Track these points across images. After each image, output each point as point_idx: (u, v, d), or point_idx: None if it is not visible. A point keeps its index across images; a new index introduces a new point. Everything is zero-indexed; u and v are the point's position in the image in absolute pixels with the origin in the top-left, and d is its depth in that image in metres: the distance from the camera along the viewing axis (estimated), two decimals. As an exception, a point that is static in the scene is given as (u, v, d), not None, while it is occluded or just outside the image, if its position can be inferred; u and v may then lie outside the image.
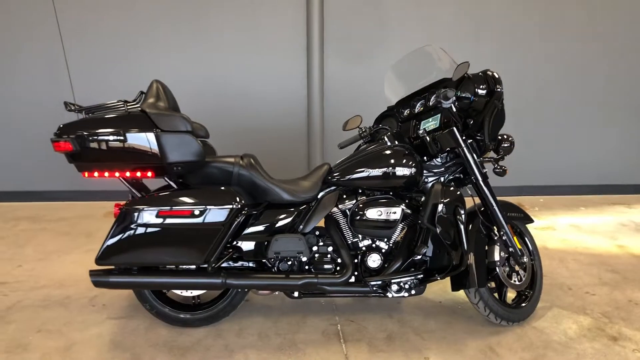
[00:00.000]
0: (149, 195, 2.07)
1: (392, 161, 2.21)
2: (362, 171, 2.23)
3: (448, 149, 2.21)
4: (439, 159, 2.33)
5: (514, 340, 2.24)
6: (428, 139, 2.26)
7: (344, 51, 4.70)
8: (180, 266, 2.15)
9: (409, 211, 2.24)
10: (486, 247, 2.32)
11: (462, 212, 2.16)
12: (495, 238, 2.33)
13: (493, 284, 2.35)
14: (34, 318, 2.41)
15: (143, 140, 1.90)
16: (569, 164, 5.29)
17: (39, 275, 2.95)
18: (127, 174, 1.97)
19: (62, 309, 2.52)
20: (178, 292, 2.31)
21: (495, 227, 2.33)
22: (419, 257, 2.23)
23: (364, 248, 2.27)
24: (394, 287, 2.20)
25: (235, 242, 2.17)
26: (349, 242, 2.27)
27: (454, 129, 2.15)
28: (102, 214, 4.30)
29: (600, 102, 5.10)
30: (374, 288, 2.21)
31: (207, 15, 4.50)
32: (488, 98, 2.16)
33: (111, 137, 1.88)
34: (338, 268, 2.24)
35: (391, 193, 2.30)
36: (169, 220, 1.99)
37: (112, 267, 2.09)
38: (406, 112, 2.52)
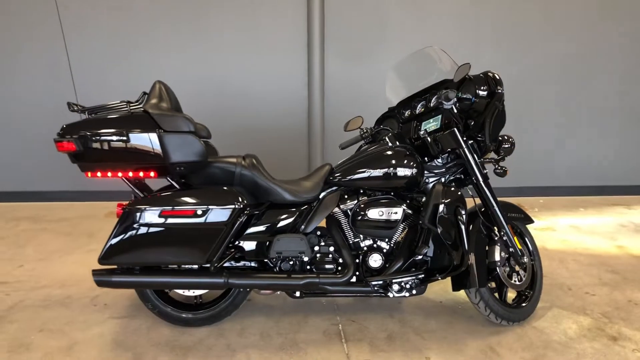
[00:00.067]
0: (151, 195, 2.08)
1: (394, 162, 2.22)
2: (364, 171, 2.24)
3: (449, 149, 2.22)
4: (439, 160, 2.34)
5: (514, 340, 2.25)
6: (429, 139, 2.27)
7: (345, 51, 4.71)
8: (183, 266, 2.16)
9: (410, 211, 2.26)
10: (487, 248, 2.33)
11: (463, 212, 2.17)
12: (496, 238, 2.34)
13: (493, 284, 2.36)
14: (36, 318, 2.42)
15: (146, 140, 1.91)
16: (569, 165, 5.31)
17: (40, 275, 2.96)
18: (130, 174, 1.98)
19: (63, 308, 2.52)
20: (180, 291, 2.32)
21: (495, 228, 2.34)
22: (419, 257, 2.24)
23: (365, 248, 2.28)
24: (395, 287, 2.21)
25: (237, 242, 2.18)
26: (351, 242, 2.28)
27: (455, 129, 2.16)
28: (104, 215, 4.31)
29: (600, 103, 5.11)
30: (375, 288, 2.22)
31: (207, 15, 4.51)
32: (489, 99, 2.18)
33: (114, 138, 1.89)
34: (339, 268, 2.25)
35: (392, 193, 2.31)
36: (171, 220, 2.00)
37: (115, 266, 2.10)
38: (407, 113, 2.53)
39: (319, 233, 2.31)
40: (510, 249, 2.34)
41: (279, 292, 2.39)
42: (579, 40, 4.87)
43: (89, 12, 4.40)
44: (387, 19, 4.65)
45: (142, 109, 1.96)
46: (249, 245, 2.20)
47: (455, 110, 2.19)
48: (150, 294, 2.27)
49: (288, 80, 4.76)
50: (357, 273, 2.24)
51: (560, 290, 2.80)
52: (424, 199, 2.30)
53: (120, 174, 1.99)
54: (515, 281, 2.37)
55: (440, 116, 2.27)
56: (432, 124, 2.32)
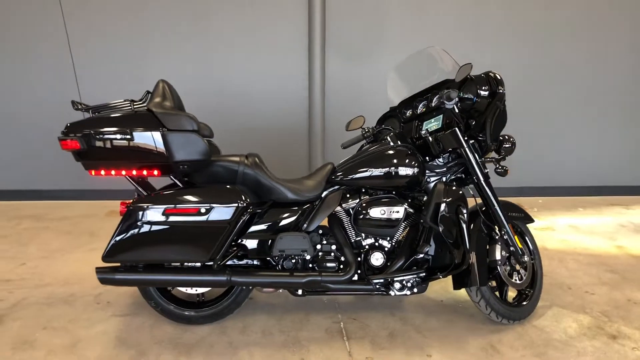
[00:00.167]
0: (155, 194, 2.09)
1: (395, 161, 2.24)
2: (366, 171, 2.26)
3: (450, 149, 2.24)
4: (441, 159, 2.36)
5: (514, 338, 2.26)
6: (430, 139, 2.29)
7: (345, 51, 4.73)
8: (186, 264, 2.17)
9: (411, 210, 2.27)
10: (487, 246, 2.35)
11: (464, 211, 2.19)
12: (497, 237, 2.35)
13: (494, 283, 2.38)
14: (39, 315, 2.43)
15: (150, 139, 1.92)
16: (568, 165, 5.33)
17: (43, 273, 2.97)
18: (134, 172, 2.00)
19: (66, 306, 2.54)
20: (183, 289, 2.34)
21: (496, 227, 2.36)
22: (421, 255, 2.26)
23: (367, 246, 2.30)
24: (397, 285, 2.22)
25: (240, 240, 2.20)
26: (352, 240, 2.30)
27: (456, 129, 2.18)
28: (105, 213, 4.32)
29: (599, 104, 5.14)
30: (377, 286, 2.24)
31: (209, 15, 4.53)
32: (490, 99, 2.20)
33: (118, 136, 1.90)
34: (341, 266, 2.27)
35: (394, 192, 2.32)
36: (175, 218, 2.02)
37: (118, 264, 2.11)
38: (408, 112, 2.55)
39: (320, 232, 2.32)
40: (511, 248, 2.36)
41: (280, 290, 2.40)
42: (580, 40, 4.89)
43: (92, 13, 4.42)
44: (388, 20, 4.66)
45: (145, 108, 1.98)
46: (252, 244, 2.22)
47: (456, 110, 2.20)
48: (153, 291, 2.28)
49: (289, 80, 4.78)
50: (359, 271, 2.26)
51: (560, 289, 2.82)
52: (425, 198, 2.31)
53: (124, 172, 2.00)
54: (515, 280, 2.38)
55: (441, 116, 2.29)
56: (433, 124, 2.33)
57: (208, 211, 2.03)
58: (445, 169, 2.36)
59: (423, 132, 2.35)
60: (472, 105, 2.23)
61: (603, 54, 4.96)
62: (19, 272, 2.98)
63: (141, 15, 4.48)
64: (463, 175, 2.39)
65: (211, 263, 2.10)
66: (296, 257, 2.23)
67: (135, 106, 1.99)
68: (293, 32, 4.63)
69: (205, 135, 2.11)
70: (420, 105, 2.46)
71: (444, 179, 2.36)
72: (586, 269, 3.15)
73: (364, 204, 2.24)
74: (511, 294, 2.47)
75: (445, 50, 2.43)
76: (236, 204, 2.04)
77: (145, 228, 2.02)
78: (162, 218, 2.01)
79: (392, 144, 2.34)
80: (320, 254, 2.29)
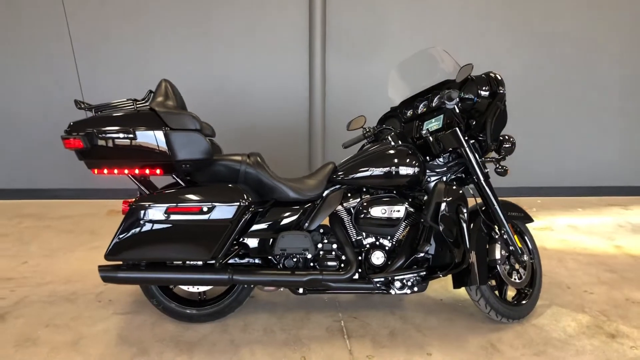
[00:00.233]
0: (157, 192, 2.10)
1: (396, 161, 2.26)
2: (367, 170, 2.27)
3: (450, 149, 2.25)
4: (441, 159, 2.37)
5: (514, 337, 2.28)
6: (431, 139, 2.30)
7: (346, 51, 4.74)
8: (188, 262, 2.18)
9: (412, 210, 2.28)
10: (487, 246, 2.36)
11: (465, 210, 2.20)
12: (496, 237, 2.37)
13: (494, 282, 2.40)
14: (42, 313, 2.45)
15: (152, 138, 1.94)
16: (566, 165, 5.35)
17: (45, 271, 2.98)
18: (136, 171, 2.01)
19: (69, 304, 2.55)
20: (184, 288, 2.34)
21: (496, 226, 2.38)
22: (421, 254, 2.27)
23: (367, 245, 2.31)
24: (397, 284, 2.24)
25: (241, 239, 2.21)
26: (353, 239, 2.31)
27: (457, 129, 2.20)
28: (105, 212, 4.32)
29: (598, 104, 5.15)
30: (378, 285, 2.25)
31: (210, 15, 4.54)
32: (491, 99, 2.21)
33: (121, 135, 1.92)
34: (342, 265, 2.28)
35: (394, 192, 2.34)
36: (177, 217, 2.03)
37: (121, 262, 2.12)
38: (409, 112, 2.56)
39: (321, 231, 2.34)
40: (511, 247, 2.37)
41: (282, 289, 2.41)
42: (579, 41, 4.91)
43: (94, 14, 4.43)
44: (388, 19, 4.68)
45: (148, 107, 1.99)
46: (253, 243, 2.23)
47: (457, 110, 2.22)
48: (155, 290, 2.30)
49: (289, 79, 4.79)
50: (360, 270, 2.27)
51: (559, 288, 2.83)
52: (425, 198, 2.33)
53: (126, 171, 2.02)
54: (515, 279, 2.40)
55: (442, 116, 2.30)
56: (434, 124, 2.35)
57: (210, 210, 2.04)
58: (445, 168, 2.38)
59: (424, 132, 2.36)
60: (472, 106, 2.25)
61: (602, 54, 4.98)
62: (21, 271, 2.99)
63: (143, 16, 4.49)
64: (463, 175, 2.40)
65: (213, 261, 2.11)
66: (297, 256, 2.24)
67: (138, 105, 2.01)
68: (294, 32, 4.64)
69: (207, 134, 2.13)
70: (421, 105, 2.48)
71: (444, 178, 2.37)
72: (585, 268, 3.17)
73: (365, 203, 2.26)
74: (510, 293, 2.49)
75: (446, 50, 2.45)
76: (238, 203, 2.05)
77: (148, 226, 2.03)
78: (165, 217, 2.02)
79: (392, 143, 2.36)
80: (321, 252, 2.30)
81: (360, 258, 2.30)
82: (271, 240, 2.23)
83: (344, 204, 2.30)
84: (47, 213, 4.33)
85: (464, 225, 2.18)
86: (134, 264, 2.13)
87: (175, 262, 2.19)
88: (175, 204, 2.02)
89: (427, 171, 2.36)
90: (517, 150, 2.34)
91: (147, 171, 2.02)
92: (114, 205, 4.44)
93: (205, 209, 2.04)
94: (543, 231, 3.98)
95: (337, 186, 2.34)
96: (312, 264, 2.28)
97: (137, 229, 2.03)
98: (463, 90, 2.26)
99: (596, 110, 5.18)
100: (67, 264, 3.11)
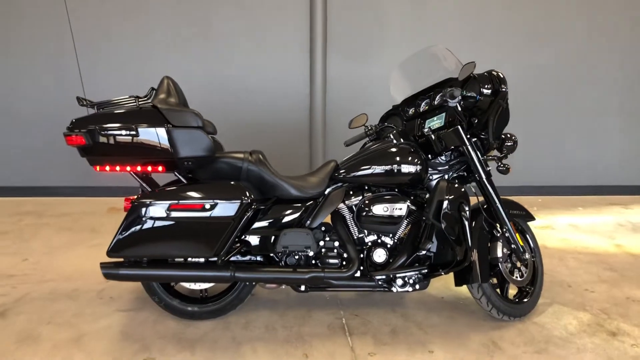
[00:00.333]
0: (159, 190, 2.10)
1: (398, 159, 2.26)
2: (369, 168, 2.28)
3: (452, 147, 2.25)
4: (443, 157, 2.37)
5: (515, 334, 2.28)
6: (433, 137, 2.30)
7: (346, 49, 4.74)
8: (190, 259, 2.18)
9: (414, 207, 2.29)
10: (489, 244, 2.36)
11: (467, 208, 2.21)
12: (498, 235, 2.37)
13: (495, 280, 2.40)
14: (43, 310, 2.45)
15: (155, 135, 1.93)
16: (567, 164, 5.36)
17: (46, 268, 2.98)
18: (138, 168, 2.01)
19: (70, 301, 2.55)
20: (186, 285, 2.35)
21: (498, 224, 2.38)
22: (423, 252, 2.27)
23: (369, 243, 2.31)
24: (399, 282, 2.24)
25: (243, 236, 2.21)
26: (355, 237, 2.31)
27: (459, 127, 2.20)
28: (106, 210, 4.32)
29: (599, 103, 5.16)
30: (379, 282, 2.25)
31: (212, 14, 4.54)
32: (493, 97, 2.21)
33: (123, 132, 1.91)
34: (344, 263, 2.29)
35: (396, 190, 2.34)
36: (179, 214, 2.03)
37: (122, 259, 2.12)
38: (411, 111, 2.57)
39: (323, 228, 2.34)
40: (512, 246, 2.37)
41: (283, 287, 2.42)
42: (579, 40, 4.91)
43: (96, 12, 4.43)
44: (389, 18, 4.68)
45: (150, 104, 1.99)
46: (255, 240, 2.23)
47: (459, 108, 2.22)
48: (157, 287, 2.29)
49: (290, 78, 4.80)
50: (362, 268, 2.27)
51: (560, 287, 2.84)
52: (427, 196, 2.33)
53: (128, 168, 2.01)
54: (516, 277, 2.40)
55: (444, 114, 2.31)
56: (436, 122, 2.35)
57: (212, 207, 2.04)
58: (447, 166, 2.38)
59: (426, 130, 2.36)
60: (474, 104, 2.25)
61: (603, 54, 4.98)
62: (22, 268, 2.99)
63: (144, 14, 4.50)
64: (465, 173, 2.40)
65: (215, 259, 2.11)
66: (299, 254, 2.24)
67: (140, 102, 2.00)
68: (294, 30, 4.65)
69: (209, 132, 2.12)
70: (423, 104, 2.48)
71: (446, 176, 2.38)
72: (586, 267, 3.18)
73: (366, 201, 2.26)
74: (512, 291, 2.49)
75: (448, 49, 2.45)
76: (240, 200, 2.06)
77: (150, 224, 2.03)
78: (167, 214, 2.02)
79: (394, 141, 2.36)
80: (323, 250, 2.30)
81: (362, 256, 2.30)
82: (273, 237, 2.23)
83: (346, 202, 2.30)
84: (47, 210, 4.32)
85: (466, 223, 2.18)
86: (136, 261, 2.12)
87: (177, 259, 2.19)
88: (177, 201, 2.02)
89: (429, 169, 2.36)
90: (518, 149, 2.35)
91: (149, 168, 2.01)
92: (114, 203, 4.44)
93: (207, 206, 2.03)
94: (544, 230, 3.98)
95: (339, 184, 2.34)
96: (313, 262, 2.29)
97: (139, 226, 2.03)
98: (465, 88, 2.27)
99: (597, 109, 5.19)
100: (67, 261, 3.11)
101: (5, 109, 4.66)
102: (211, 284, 2.37)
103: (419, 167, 2.26)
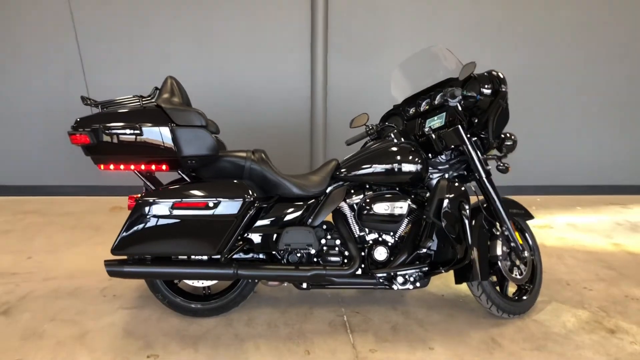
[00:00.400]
0: (163, 188, 2.12)
1: (399, 158, 2.28)
2: (370, 167, 2.30)
3: (453, 146, 2.28)
4: (443, 156, 2.39)
5: (515, 331, 2.31)
6: (433, 136, 2.32)
7: (347, 50, 4.76)
8: (193, 257, 2.21)
9: (414, 206, 2.31)
10: (489, 242, 2.39)
11: (467, 207, 2.23)
12: (498, 233, 2.40)
13: (495, 278, 2.42)
14: (47, 308, 2.47)
15: (158, 134, 1.95)
16: (566, 164, 5.39)
17: (49, 267, 3.00)
18: (142, 167, 2.03)
19: (74, 299, 2.57)
20: (189, 282, 2.37)
21: (497, 223, 2.41)
22: (423, 250, 2.29)
23: (370, 241, 2.34)
24: (400, 280, 2.27)
25: (246, 235, 2.23)
26: (356, 235, 2.33)
27: (459, 127, 2.22)
28: (109, 209, 4.34)
29: (597, 103, 5.19)
30: (380, 280, 2.28)
31: (213, 14, 4.55)
32: (493, 97, 2.24)
33: (127, 131, 1.93)
34: (345, 260, 2.31)
35: (397, 189, 2.36)
36: (183, 212, 2.05)
37: (126, 257, 2.14)
38: (412, 110, 2.59)
39: (325, 227, 2.36)
40: (512, 244, 2.40)
41: (285, 284, 2.44)
42: (579, 40, 4.94)
43: (99, 12, 4.45)
44: (390, 19, 4.70)
45: (154, 103, 2.01)
46: (258, 238, 2.26)
47: (459, 108, 2.25)
48: (160, 284, 2.32)
49: (291, 77, 4.82)
50: (363, 266, 2.30)
51: (559, 285, 2.86)
52: (427, 194, 2.35)
53: (132, 167, 2.03)
54: (516, 275, 2.42)
55: (444, 114, 2.33)
56: (436, 121, 2.37)
57: (215, 205, 2.06)
58: (447, 165, 2.41)
59: (426, 129, 2.38)
60: (475, 103, 2.27)
61: (602, 54, 5.01)
62: (25, 266, 3.01)
63: (147, 14, 4.51)
64: (465, 172, 2.43)
65: (218, 256, 2.14)
66: (301, 251, 2.27)
67: (144, 102, 2.02)
68: (295, 30, 4.66)
69: (212, 131, 2.14)
70: (424, 103, 2.50)
71: (446, 175, 2.40)
72: (584, 265, 3.20)
73: (367, 200, 2.28)
74: (511, 289, 2.51)
75: (448, 49, 2.47)
76: (243, 199, 2.08)
77: (154, 222, 2.05)
78: (170, 212, 2.04)
79: (395, 140, 2.38)
80: (324, 248, 2.32)
81: (363, 254, 2.32)
82: (275, 235, 2.25)
83: (347, 201, 2.32)
84: (50, 209, 4.35)
85: (466, 221, 2.21)
86: (140, 259, 2.15)
87: (180, 257, 2.22)
88: (181, 199, 2.05)
89: (430, 168, 2.38)
90: (517, 148, 2.37)
91: (153, 167, 2.03)
92: (117, 202, 4.46)
93: (210, 204, 2.06)
94: (543, 229, 4.01)
95: (341, 183, 2.37)
96: (315, 260, 2.31)
97: (143, 224, 2.05)
98: (466, 88, 2.29)
99: (596, 109, 5.22)
100: (71, 259, 3.13)
101: (9, 108, 4.68)
102: (214, 282, 2.39)
103: (419, 166, 2.28)
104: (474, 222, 2.34)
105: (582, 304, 2.63)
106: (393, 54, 4.69)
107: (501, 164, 2.30)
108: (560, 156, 5.35)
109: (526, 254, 2.44)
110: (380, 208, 2.27)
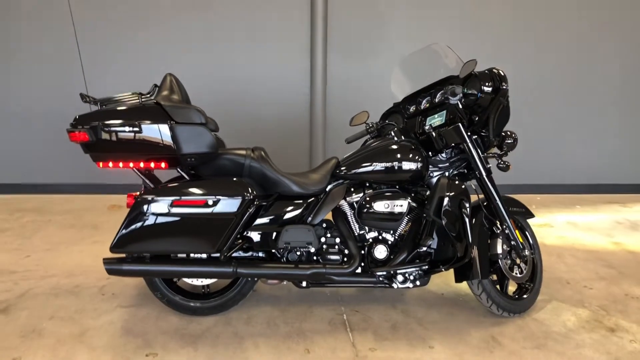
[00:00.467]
0: (162, 186, 2.11)
1: (399, 156, 2.27)
2: (370, 165, 2.29)
3: (453, 144, 2.27)
4: (444, 154, 2.39)
5: (515, 330, 2.30)
6: (434, 134, 2.32)
7: (347, 47, 4.76)
8: (192, 255, 2.20)
9: (414, 204, 2.31)
10: (489, 240, 2.38)
11: (467, 205, 2.22)
12: (498, 232, 2.39)
13: (495, 277, 2.42)
14: (46, 306, 2.46)
15: (157, 131, 1.94)
16: (566, 163, 5.39)
17: (48, 265, 2.99)
18: (141, 164, 2.02)
19: (72, 297, 2.56)
20: (189, 281, 2.36)
21: (498, 221, 2.40)
22: (424, 248, 2.29)
23: (370, 240, 2.33)
24: (400, 278, 2.26)
25: (245, 233, 2.23)
26: (356, 233, 2.33)
27: (460, 125, 2.21)
28: (107, 207, 4.33)
29: (597, 102, 5.19)
30: (380, 278, 2.27)
31: (213, 12, 4.54)
32: (493, 95, 2.23)
33: (127, 129, 1.92)
34: (345, 259, 2.30)
35: (397, 187, 2.36)
36: (182, 210, 2.04)
37: (125, 255, 2.14)
38: (412, 108, 2.58)
39: (324, 225, 2.35)
40: (512, 242, 2.39)
41: (285, 282, 2.44)
42: (578, 40, 4.93)
43: (99, 10, 4.44)
44: (389, 16, 4.69)
45: (153, 101, 2.00)
46: (257, 236, 2.25)
47: (460, 106, 2.24)
48: (159, 283, 2.31)
49: (291, 76, 4.81)
50: (363, 264, 2.29)
51: (559, 284, 2.86)
52: (428, 193, 2.35)
53: (131, 165, 2.02)
54: (516, 274, 2.42)
55: (445, 111, 2.32)
56: (437, 119, 2.36)
57: (215, 203, 2.05)
58: (448, 164, 2.40)
59: (426, 127, 2.37)
60: (475, 101, 2.26)
61: (602, 53, 5.00)
62: (24, 264, 3.00)
63: (147, 12, 4.50)
64: (465, 170, 2.42)
65: (217, 254, 2.13)
66: (301, 250, 2.26)
67: (143, 99, 2.01)
68: (295, 28, 4.65)
69: (211, 129, 2.13)
70: (424, 101, 2.50)
71: (446, 173, 2.40)
72: (584, 264, 3.20)
73: (367, 198, 2.27)
74: (511, 287, 2.51)
75: (449, 46, 2.46)
76: (242, 196, 2.07)
77: (153, 219, 2.04)
78: (170, 209, 2.03)
79: (396, 139, 2.37)
80: (324, 246, 2.31)
81: (363, 252, 2.32)
82: (275, 234, 2.25)
83: (347, 199, 2.32)
84: (48, 207, 4.33)
85: (467, 219, 2.20)
86: (139, 257, 2.14)
87: (179, 255, 2.21)
88: (180, 197, 2.03)
89: (430, 166, 2.37)
90: (517, 147, 2.36)
91: (152, 165, 2.02)
92: (115, 200, 4.45)
93: (210, 202, 2.05)
94: (543, 228, 4.01)
95: (340, 181, 2.36)
96: (315, 258, 2.30)
97: (142, 222, 2.04)
98: (466, 86, 2.28)
99: (596, 108, 5.21)
100: (69, 257, 3.12)
101: (8, 106, 4.67)
102: (213, 280, 2.38)
103: (419, 165, 2.28)
104: (474, 220, 2.34)
105: (582, 302, 2.62)
106: (392, 51, 4.68)
107: (502, 162, 2.29)
108: (560, 155, 5.35)
109: (526, 252, 2.44)
110: (381, 206, 2.26)
